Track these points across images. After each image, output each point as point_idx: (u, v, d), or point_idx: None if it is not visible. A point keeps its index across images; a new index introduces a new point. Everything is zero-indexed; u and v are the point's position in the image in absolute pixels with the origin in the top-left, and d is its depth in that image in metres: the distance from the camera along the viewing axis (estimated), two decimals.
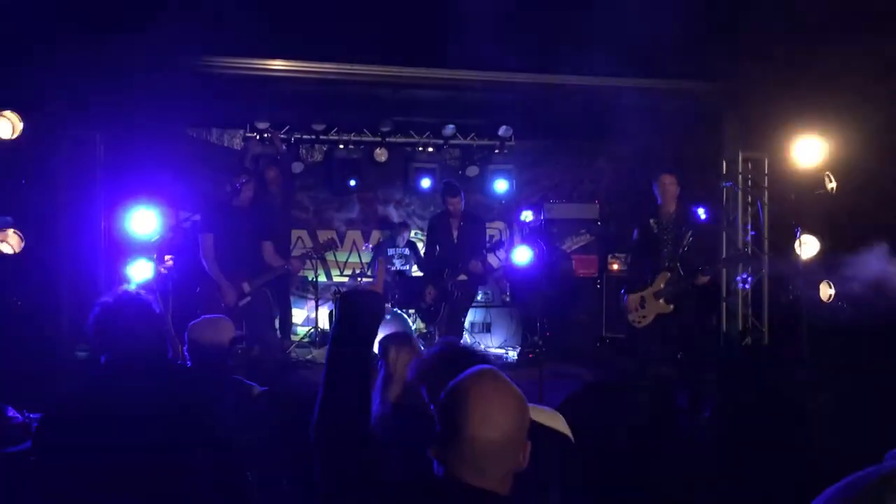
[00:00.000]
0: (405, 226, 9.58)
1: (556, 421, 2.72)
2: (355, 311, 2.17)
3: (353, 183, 9.86)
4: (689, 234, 6.49)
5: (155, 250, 6.54)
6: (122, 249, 6.74)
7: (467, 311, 7.92)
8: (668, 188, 6.53)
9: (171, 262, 8.01)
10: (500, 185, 9.94)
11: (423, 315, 8.05)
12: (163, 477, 2.64)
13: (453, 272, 7.56)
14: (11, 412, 4.87)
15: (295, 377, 7.21)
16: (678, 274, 6.43)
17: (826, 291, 6.67)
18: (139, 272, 6.21)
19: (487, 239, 8.44)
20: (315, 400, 2.06)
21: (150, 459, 2.62)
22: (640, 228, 6.66)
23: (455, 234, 7.67)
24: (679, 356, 7.06)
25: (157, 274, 6.98)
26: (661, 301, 6.45)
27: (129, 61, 5.66)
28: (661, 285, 6.44)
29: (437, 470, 1.85)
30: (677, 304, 6.44)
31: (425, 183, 9.78)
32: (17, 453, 4.59)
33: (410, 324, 8.33)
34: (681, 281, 6.41)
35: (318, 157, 9.99)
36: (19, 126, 5.54)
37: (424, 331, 9.09)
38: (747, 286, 7.06)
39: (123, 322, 2.80)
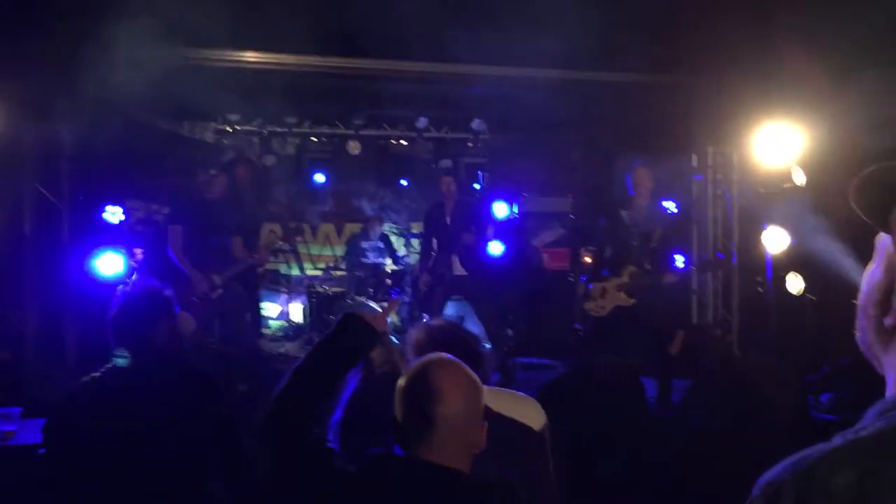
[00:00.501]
0: (378, 219, 9.57)
1: (525, 407, 2.74)
2: (349, 334, 2.23)
3: (322, 179, 9.85)
4: (660, 231, 6.53)
5: (123, 243, 6.48)
6: (90, 242, 6.67)
7: (481, 302, 7.85)
8: (642, 181, 6.56)
9: (140, 256, 7.95)
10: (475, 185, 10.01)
11: (423, 304, 8.04)
12: (171, 465, 2.69)
13: (444, 255, 7.60)
14: None
15: (267, 370, 7.18)
16: (645, 269, 6.46)
17: (795, 284, 6.75)
18: (108, 265, 6.15)
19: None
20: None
21: (161, 451, 2.68)
22: (608, 217, 6.67)
23: (448, 219, 7.68)
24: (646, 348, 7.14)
25: (128, 267, 6.92)
26: (623, 294, 6.47)
27: (97, 53, 5.58)
28: (626, 278, 6.46)
29: (397, 451, 1.92)
30: (639, 298, 6.47)
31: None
32: None
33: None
34: (647, 276, 6.44)
35: (290, 150, 9.94)
36: None
37: (399, 325, 9.10)
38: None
39: (143, 316, 2.86)
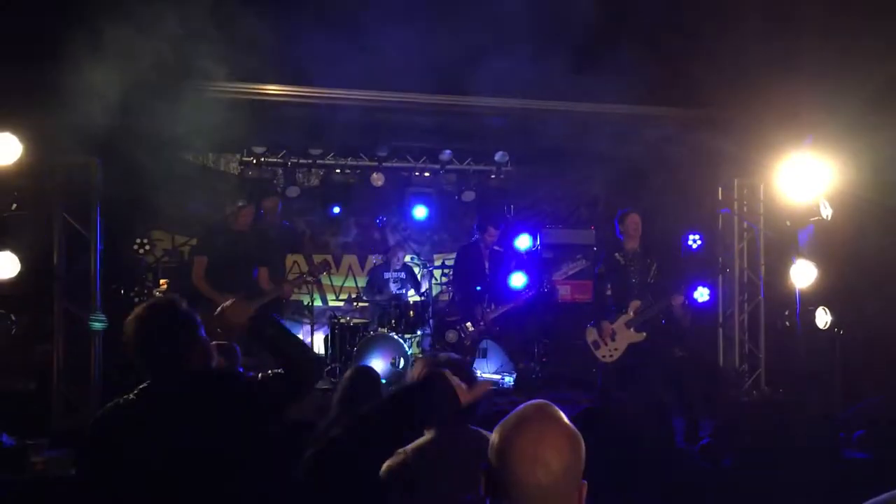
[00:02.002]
0: (400, 247, 9.57)
1: None
2: (431, 393, 2.16)
3: (336, 210, 9.88)
4: (655, 264, 6.56)
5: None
6: (121, 273, 6.73)
7: (515, 339, 7.76)
8: (632, 228, 6.60)
9: (165, 287, 8.00)
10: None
11: (463, 350, 7.93)
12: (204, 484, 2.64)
13: (488, 307, 7.53)
14: (5, 438, 4.84)
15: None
16: (649, 300, 6.46)
17: (823, 318, 6.67)
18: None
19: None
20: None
21: (193, 468, 2.61)
22: (605, 262, 6.71)
23: (486, 264, 7.61)
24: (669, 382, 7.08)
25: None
26: (632, 330, 6.45)
27: (127, 87, 5.66)
28: (632, 313, 6.46)
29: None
30: (648, 331, 6.45)
31: (420, 212, 9.81)
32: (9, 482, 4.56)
33: (406, 348, 8.30)
34: (652, 306, 6.44)
35: (314, 181, 9.99)
36: (18, 149, 5.53)
37: (420, 354, 9.05)
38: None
39: (161, 335, 2.72)
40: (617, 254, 6.63)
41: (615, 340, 6.50)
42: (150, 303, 2.83)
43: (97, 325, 6.37)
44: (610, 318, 6.53)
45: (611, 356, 6.50)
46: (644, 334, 6.45)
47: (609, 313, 6.57)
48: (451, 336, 7.70)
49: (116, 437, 2.65)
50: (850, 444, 5.89)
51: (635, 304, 6.47)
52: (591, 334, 6.63)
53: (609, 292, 6.62)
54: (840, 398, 6.42)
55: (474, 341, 7.63)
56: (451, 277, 8.27)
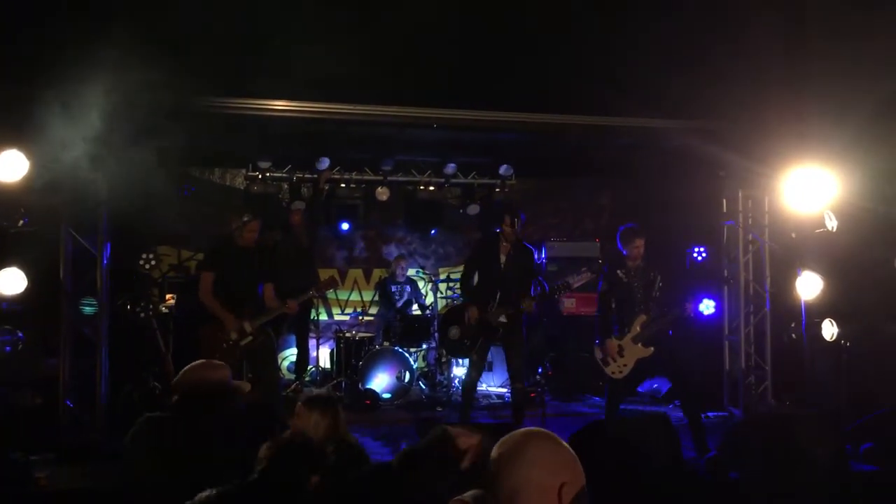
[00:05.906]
0: (402, 257, 9.58)
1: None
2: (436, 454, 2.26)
3: (345, 226, 9.88)
4: (659, 277, 6.52)
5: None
6: (127, 288, 6.74)
7: (519, 354, 7.29)
8: (635, 250, 6.55)
9: (172, 302, 8.02)
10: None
11: (452, 348, 7.63)
12: None
13: (499, 305, 7.13)
14: (12, 455, 4.85)
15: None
16: (655, 314, 6.44)
17: (829, 330, 6.65)
18: None
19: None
20: None
21: None
22: (607, 279, 6.65)
23: (503, 259, 7.10)
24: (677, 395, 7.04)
25: (159, 313, 6.96)
26: (640, 345, 6.43)
27: (132, 103, 5.69)
28: (639, 329, 6.43)
29: None
30: (656, 345, 6.42)
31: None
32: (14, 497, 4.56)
33: (412, 362, 8.30)
34: (658, 319, 6.41)
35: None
36: (25, 166, 5.56)
37: (426, 369, 9.04)
38: None
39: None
40: (619, 271, 6.58)
41: (623, 357, 6.46)
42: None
43: (88, 310, 6.40)
44: (615, 335, 6.50)
45: (620, 372, 6.46)
46: (652, 349, 6.41)
47: (613, 330, 6.53)
48: (454, 332, 7.37)
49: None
50: (857, 457, 5.87)
51: (641, 318, 6.44)
52: (599, 352, 6.60)
53: (613, 310, 6.58)
54: (847, 410, 6.39)
55: (474, 338, 7.25)
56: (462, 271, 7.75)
